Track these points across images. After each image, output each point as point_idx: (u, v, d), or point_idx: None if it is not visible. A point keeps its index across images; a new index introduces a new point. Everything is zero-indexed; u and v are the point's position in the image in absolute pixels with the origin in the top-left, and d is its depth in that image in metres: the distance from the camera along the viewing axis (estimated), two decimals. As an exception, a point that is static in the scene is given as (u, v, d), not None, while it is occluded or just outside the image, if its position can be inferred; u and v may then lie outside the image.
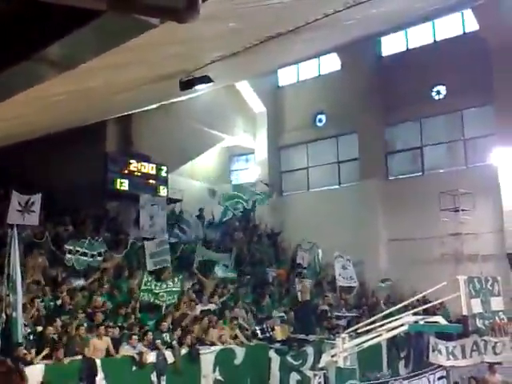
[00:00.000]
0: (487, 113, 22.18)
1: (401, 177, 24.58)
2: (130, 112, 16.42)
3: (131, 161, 20.79)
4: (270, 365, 14.77)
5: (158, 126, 21.59)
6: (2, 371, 2.59)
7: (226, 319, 15.33)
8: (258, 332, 15.67)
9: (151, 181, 21.27)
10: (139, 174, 20.94)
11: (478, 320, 11.26)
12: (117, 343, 12.25)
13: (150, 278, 14.58)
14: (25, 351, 10.58)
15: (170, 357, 12.68)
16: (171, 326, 13.76)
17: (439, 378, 16.47)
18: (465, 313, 11.16)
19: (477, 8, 20.16)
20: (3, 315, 11.09)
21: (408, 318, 11.61)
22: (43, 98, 8.37)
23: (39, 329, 11.62)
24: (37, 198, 12.91)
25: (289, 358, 15.06)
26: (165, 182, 21.77)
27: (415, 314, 12.23)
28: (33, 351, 10.83)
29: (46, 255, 14.73)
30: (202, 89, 10.86)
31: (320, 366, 13.70)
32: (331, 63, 26.37)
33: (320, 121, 26.81)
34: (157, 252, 16.43)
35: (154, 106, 14.81)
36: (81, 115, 12.47)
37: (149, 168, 21.25)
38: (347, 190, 25.02)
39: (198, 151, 25.07)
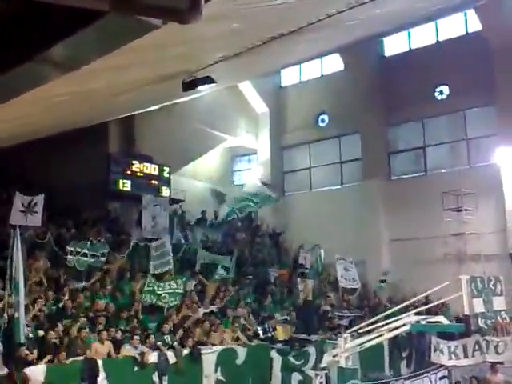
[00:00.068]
0: (490, 113, 22.17)
1: (403, 177, 24.58)
2: (132, 113, 16.45)
3: (134, 161, 20.81)
4: (272, 365, 14.74)
5: (160, 127, 21.61)
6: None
7: (228, 321, 15.32)
8: (260, 332, 15.65)
9: (154, 181, 21.29)
10: (142, 174, 20.95)
11: (480, 320, 11.24)
12: (118, 345, 12.24)
13: (152, 280, 14.56)
14: (27, 352, 10.58)
15: (171, 357, 12.64)
16: (173, 329, 13.74)
17: (441, 378, 16.46)
18: (467, 312, 11.14)
19: (479, 8, 20.16)
20: (5, 316, 11.10)
21: (410, 318, 11.60)
22: (46, 99, 8.39)
23: (41, 333, 11.60)
24: (39, 199, 12.91)
25: (291, 358, 15.04)
26: (167, 182, 21.79)
27: (417, 313, 12.22)
28: (35, 352, 10.82)
29: (49, 256, 14.74)
30: (204, 89, 10.88)
31: (322, 366, 13.67)
32: (334, 63, 26.36)
33: (322, 121, 26.81)
34: (159, 254, 16.42)
35: (157, 106, 14.84)
36: (83, 116, 12.50)
37: (151, 169, 21.27)
38: (349, 190, 25.02)
39: (201, 152, 25.08)
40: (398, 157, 25.09)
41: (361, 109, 24.43)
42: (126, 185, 20.27)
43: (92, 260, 14.88)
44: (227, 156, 27.76)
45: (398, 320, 11.59)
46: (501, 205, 21.11)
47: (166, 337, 13.12)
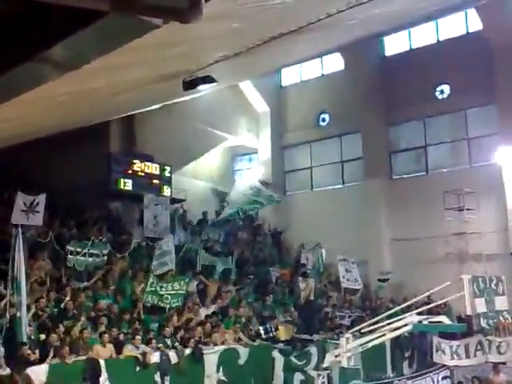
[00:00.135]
0: (491, 112, 22.15)
1: (405, 176, 24.55)
2: (133, 112, 16.45)
3: (135, 161, 20.78)
4: (274, 365, 14.75)
5: (161, 126, 21.60)
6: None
7: (230, 321, 15.31)
8: (262, 332, 15.65)
9: (155, 181, 21.27)
10: (143, 174, 20.93)
11: (482, 320, 11.23)
12: (120, 346, 12.23)
13: (155, 280, 14.55)
14: (29, 351, 10.59)
15: (173, 357, 12.66)
16: (174, 332, 13.72)
17: (443, 378, 16.45)
18: (469, 312, 11.13)
19: (480, 8, 20.14)
20: (7, 315, 11.11)
21: (412, 318, 11.59)
22: (46, 99, 8.38)
23: (42, 337, 11.59)
24: (41, 199, 12.91)
25: (292, 358, 15.04)
26: (168, 181, 21.77)
27: (419, 313, 12.21)
28: (37, 352, 10.82)
29: (50, 256, 14.75)
30: (205, 89, 10.86)
31: (324, 365, 13.66)
32: (334, 63, 26.34)
33: (323, 120, 26.80)
34: (161, 253, 16.43)
35: (157, 106, 14.83)
36: (84, 116, 12.49)
37: (152, 168, 21.24)
38: (351, 189, 24.99)
39: (202, 151, 25.06)
40: (399, 156, 25.08)
41: (362, 108, 24.41)
42: (127, 184, 20.25)
43: (90, 259, 14.88)
44: (228, 155, 27.74)
45: (399, 320, 11.59)
46: (502, 204, 21.09)
47: (167, 340, 13.10)
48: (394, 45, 25.23)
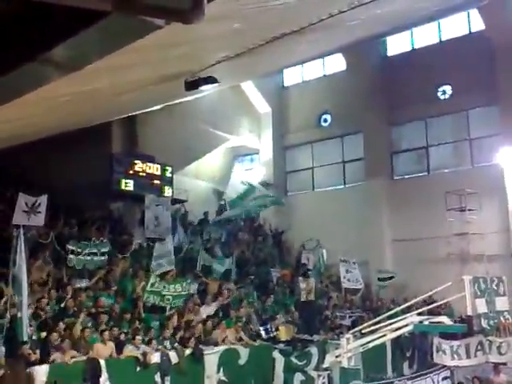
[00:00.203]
0: (493, 112, 22.15)
1: (406, 177, 24.55)
2: (135, 113, 16.45)
3: (136, 161, 20.79)
4: (274, 365, 14.75)
5: (162, 127, 21.62)
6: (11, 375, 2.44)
7: (231, 320, 15.32)
8: (262, 332, 15.66)
9: (156, 181, 21.28)
10: (144, 174, 20.94)
11: (482, 320, 11.22)
12: (121, 346, 12.24)
13: (157, 279, 14.55)
14: (29, 351, 10.60)
15: (173, 357, 12.67)
16: (175, 332, 13.74)
17: (443, 379, 16.46)
18: (470, 313, 11.13)
19: (482, 8, 20.10)
20: (8, 315, 11.12)
21: (413, 318, 11.60)
22: (48, 100, 8.39)
23: (43, 334, 11.62)
24: (43, 199, 12.93)
25: (293, 359, 15.04)
26: (170, 182, 21.77)
27: (420, 313, 12.22)
28: (37, 352, 10.84)
29: (51, 256, 14.78)
30: (207, 89, 10.86)
31: (324, 366, 13.67)
32: (336, 63, 26.36)
33: (325, 121, 26.80)
34: (161, 254, 16.47)
35: (159, 106, 14.83)
36: (86, 116, 12.50)
37: (154, 168, 21.25)
38: (352, 189, 25.00)
39: (203, 151, 25.08)
40: (400, 156, 25.07)
41: (363, 108, 24.42)
42: (128, 185, 20.26)
43: (89, 258, 14.88)
44: (229, 156, 27.75)
45: (400, 320, 11.59)
46: (504, 205, 21.08)
47: (167, 342, 13.11)
48: (396, 45, 25.24)
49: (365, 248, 22.09)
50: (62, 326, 11.68)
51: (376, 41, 22.25)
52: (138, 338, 12.37)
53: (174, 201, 21.21)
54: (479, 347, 14.72)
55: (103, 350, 11.71)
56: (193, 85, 9.92)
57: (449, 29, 23.72)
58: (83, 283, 14.43)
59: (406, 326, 11.47)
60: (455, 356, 14.79)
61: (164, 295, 14.38)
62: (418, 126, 24.36)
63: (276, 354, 14.86)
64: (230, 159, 27.86)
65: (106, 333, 11.99)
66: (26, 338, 10.80)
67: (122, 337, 12.43)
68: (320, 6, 7.63)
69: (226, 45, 8.47)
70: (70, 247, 14.64)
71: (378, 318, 12.97)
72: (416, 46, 24.90)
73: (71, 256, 14.56)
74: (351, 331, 13.00)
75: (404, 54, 25.02)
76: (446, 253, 21.76)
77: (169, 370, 12.44)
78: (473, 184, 20.96)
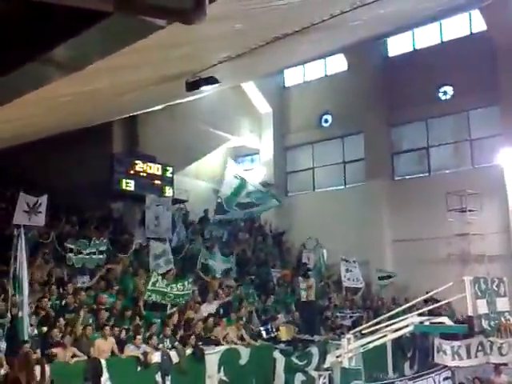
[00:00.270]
0: (494, 113, 22.14)
1: (407, 177, 24.54)
2: (136, 113, 16.45)
3: (137, 161, 20.81)
4: (275, 365, 14.77)
5: (163, 127, 21.62)
6: (22, 363, 2.41)
7: (231, 319, 15.34)
8: (263, 332, 15.66)
9: (157, 181, 21.29)
10: (145, 174, 20.96)
11: (483, 321, 11.22)
12: (122, 344, 12.27)
13: (159, 278, 14.56)
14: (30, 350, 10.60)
15: (174, 357, 12.69)
16: (175, 329, 13.76)
17: (444, 379, 16.44)
18: (470, 313, 11.13)
19: (484, 8, 20.09)
20: (8, 315, 11.13)
21: (413, 319, 11.60)
22: (49, 100, 8.39)
23: (44, 329, 11.64)
24: (44, 200, 12.94)
25: (294, 359, 15.06)
26: (170, 182, 21.79)
27: (420, 314, 12.22)
28: (38, 351, 10.84)
29: (52, 255, 14.80)
30: (208, 90, 10.86)
31: (325, 366, 13.69)
32: (337, 63, 26.35)
33: (326, 121, 26.80)
34: (160, 253, 16.51)
35: (160, 106, 14.83)
36: (87, 116, 12.50)
37: (154, 168, 21.27)
38: (353, 190, 24.99)
39: (204, 152, 25.07)
40: (401, 157, 25.07)
41: (364, 109, 24.41)
42: (129, 185, 20.28)
43: (87, 257, 14.90)
44: (230, 156, 27.68)
45: (401, 321, 11.59)
46: (505, 205, 21.06)
47: (168, 340, 13.13)
48: (398, 45, 25.23)
49: (365, 248, 22.08)
50: (62, 322, 11.72)
51: (377, 41, 22.22)
52: (139, 337, 12.39)
53: (175, 201, 21.23)
54: (480, 348, 14.70)
55: (104, 346, 11.74)
56: (194, 85, 9.92)
57: (450, 29, 23.71)
58: (84, 282, 14.47)
59: (407, 326, 11.48)
60: (456, 356, 14.76)
61: (166, 294, 14.39)
62: (418, 126, 24.34)
63: (277, 354, 14.88)
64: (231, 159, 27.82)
65: (107, 328, 12.01)
66: (26, 337, 10.81)
67: (123, 335, 12.45)
68: (322, 7, 7.62)
69: (228, 45, 8.46)
70: (69, 245, 14.69)
71: (378, 319, 12.99)
72: (417, 47, 24.89)
73: (70, 254, 14.60)
74: (352, 331, 13.01)
75: (405, 54, 25.00)
76: (446, 253, 21.74)
77: (169, 369, 12.46)
78: (473, 185, 20.94)
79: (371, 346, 11.86)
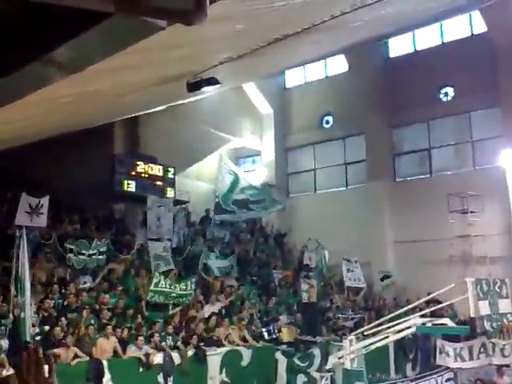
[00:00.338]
0: (495, 114, 22.12)
1: (408, 178, 24.52)
2: (137, 114, 16.46)
3: (138, 162, 20.80)
4: (277, 366, 14.77)
5: (165, 128, 21.62)
6: (31, 359, 2.33)
7: (233, 320, 15.34)
8: (265, 334, 15.66)
9: (158, 182, 21.27)
10: (146, 175, 20.94)
11: (485, 322, 11.21)
12: (124, 345, 12.28)
13: (161, 278, 14.56)
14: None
15: (176, 358, 12.70)
16: (177, 328, 13.77)
17: (447, 380, 16.42)
18: (472, 315, 11.11)
19: (485, 9, 20.08)
20: (11, 316, 11.14)
21: (415, 320, 11.59)
22: (50, 100, 8.39)
23: (46, 328, 11.66)
24: (45, 200, 12.95)
25: (295, 360, 15.05)
26: (172, 183, 21.77)
27: (422, 315, 12.21)
28: (40, 351, 10.85)
29: (54, 256, 14.81)
30: (209, 90, 10.87)
31: (327, 367, 13.69)
32: (338, 64, 26.35)
33: (327, 122, 26.80)
34: (159, 254, 16.54)
35: (162, 107, 14.84)
36: (88, 117, 12.51)
37: (156, 170, 21.25)
38: (354, 191, 24.98)
39: (205, 153, 25.06)
40: (402, 158, 25.05)
41: (365, 110, 24.40)
42: (130, 186, 20.26)
43: (88, 259, 14.91)
44: (231, 157, 27.68)
45: (403, 322, 11.58)
46: (506, 207, 21.01)
47: (169, 337, 13.14)
48: (399, 46, 25.23)
49: (367, 250, 22.06)
50: (64, 321, 11.73)
51: (378, 42, 22.23)
52: (141, 338, 12.40)
53: (176, 202, 21.22)
54: (482, 349, 14.66)
55: (106, 345, 11.75)
56: (195, 86, 9.93)
57: (451, 30, 23.71)
58: (86, 282, 14.48)
59: (409, 327, 11.47)
60: (458, 358, 14.72)
61: (169, 294, 14.39)
62: (420, 127, 24.33)
63: (279, 356, 14.88)
64: (232, 161, 27.78)
65: (109, 327, 12.02)
66: (28, 338, 10.82)
67: (125, 333, 12.46)
68: (323, 8, 7.63)
69: (229, 46, 8.47)
70: (68, 246, 14.69)
71: (380, 320, 12.97)
72: (418, 48, 24.88)
73: (69, 255, 14.61)
74: (354, 333, 13.00)
75: (406, 55, 25.01)
76: (448, 255, 21.71)
77: (171, 370, 12.47)
78: (475, 186, 20.92)
79: (373, 347, 11.86)
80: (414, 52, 24.96)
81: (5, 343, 10.52)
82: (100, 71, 6.99)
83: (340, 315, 18.59)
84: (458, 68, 22.22)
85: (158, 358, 12.32)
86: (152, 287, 14.21)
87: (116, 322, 12.91)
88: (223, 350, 13.76)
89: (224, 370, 13.54)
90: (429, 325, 11.57)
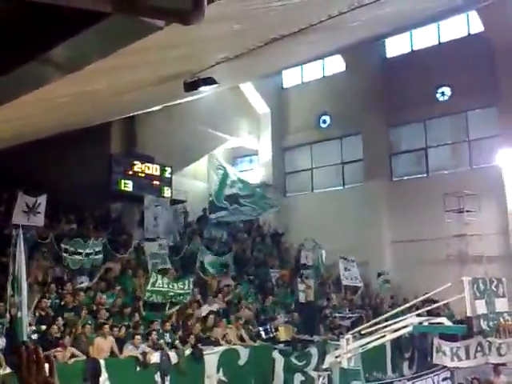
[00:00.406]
0: (492, 114, 22.18)
1: (405, 178, 24.57)
2: (134, 113, 16.45)
3: (135, 162, 20.78)
4: (274, 365, 14.78)
5: (162, 128, 21.61)
6: (31, 358, 2.32)
7: (231, 319, 15.35)
8: (262, 333, 15.68)
9: (155, 182, 21.26)
10: (143, 175, 20.92)
11: (482, 321, 11.25)
12: (122, 344, 12.29)
13: (158, 278, 14.56)
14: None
15: (173, 357, 12.71)
16: (175, 327, 13.79)
17: (443, 379, 16.46)
18: (469, 314, 11.15)
19: (482, 9, 20.10)
20: (7, 315, 11.14)
21: (412, 319, 11.62)
22: (48, 100, 8.39)
23: (43, 327, 11.67)
24: (42, 200, 12.95)
25: (293, 359, 15.07)
26: (169, 183, 21.76)
27: (419, 314, 12.24)
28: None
29: (51, 255, 14.81)
30: (206, 90, 10.87)
31: (324, 366, 13.70)
32: (335, 64, 26.37)
33: (324, 122, 26.82)
34: (155, 253, 16.56)
35: (159, 107, 14.84)
36: (85, 116, 12.50)
37: (153, 169, 21.24)
38: (351, 191, 25.01)
39: (202, 152, 25.04)
40: (399, 158, 25.10)
41: (362, 110, 24.43)
42: (127, 185, 20.24)
43: (85, 259, 14.90)
44: (228, 157, 27.72)
45: (400, 321, 11.61)
46: (503, 206, 21.09)
47: (167, 334, 13.16)
48: (396, 46, 25.26)
49: (364, 249, 22.07)
50: (61, 321, 11.73)
51: (375, 42, 22.23)
52: (138, 337, 12.40)
53: (173, 201, 21.22)
54: (479, 348, 14.73)
55: (103, 344, 11.75)
56: (192, 86, 9.93)
57: (448, 30, 23.74)
58: (83, 282, 14.49)
59: (406, 326, 11.50)
60: (455, 357, 14.79)
61: (166, 293, 14.40)
62: (416, 127, 24.38)
63: (276, 355, 14.89)
64: (229, 160, 27.83)
65: (106, 326, 12.02)
66: (25, 338, 10.82)
67: (123, 332, 12.46)
68: (320, 8, 7.64)
69: (226, 46, 8.47)
70: (64, 246, 14.68)
71: (377, 319, 13.00)
72: (415, 48, 24.92)
73: (65, 255, 14.59)
74: (351, 332, 13.02)
75: (403, 55, 25.05)
76: (444, 254, 21.74)
77: (169, 369, 12.48)
78: (471, 185, 20.96)
79: (370, 346, 11.88)
80: (410, 52, 25.00)
81: (2, 342, 10.54)
82: (98, 71, 6.99)
83: (337, 314, 18.60)
84: (455, 68, 22.26)
85: (155, 357, 12.33)
86: (149, 287, 14.22)
87: (113, 322, 12.91)
88: (220, 349, 13.77)
89: (221, 369, 13.55)
90: (426, 324, 11.59)
